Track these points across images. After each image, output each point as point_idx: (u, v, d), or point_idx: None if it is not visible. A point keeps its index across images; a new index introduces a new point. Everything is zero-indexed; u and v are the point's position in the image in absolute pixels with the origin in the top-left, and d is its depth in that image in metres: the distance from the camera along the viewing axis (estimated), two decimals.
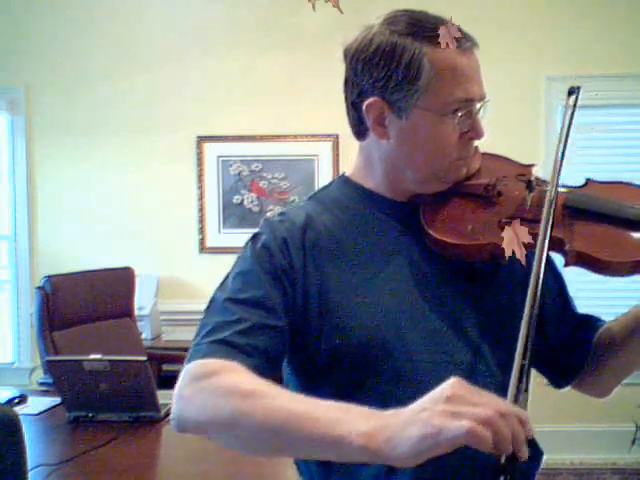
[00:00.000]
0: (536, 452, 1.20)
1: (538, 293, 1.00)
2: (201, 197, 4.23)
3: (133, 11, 4.23)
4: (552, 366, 1.26)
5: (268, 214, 1.20)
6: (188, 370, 1.03)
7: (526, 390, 0.90)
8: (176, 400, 1.03)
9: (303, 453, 0.99)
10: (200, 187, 4.23)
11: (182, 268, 4.24)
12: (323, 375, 1.11)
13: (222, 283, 1.15)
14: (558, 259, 1.17)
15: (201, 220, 4.24)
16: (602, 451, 4.01)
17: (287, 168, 4.17)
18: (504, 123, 3.99)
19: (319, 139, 4.05)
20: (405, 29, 1.12)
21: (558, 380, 1.28)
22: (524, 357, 0.93)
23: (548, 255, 1.06)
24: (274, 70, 4.14)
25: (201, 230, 4.24)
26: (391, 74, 1.11)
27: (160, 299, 4.06)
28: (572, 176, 1.25)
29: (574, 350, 1.24)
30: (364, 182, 1.22)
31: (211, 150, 4.21)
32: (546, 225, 1.07)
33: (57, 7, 4.24)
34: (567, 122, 1.18)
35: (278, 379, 1.07)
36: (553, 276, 1.28)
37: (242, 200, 4.20)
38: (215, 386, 0.98)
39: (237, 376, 0.99)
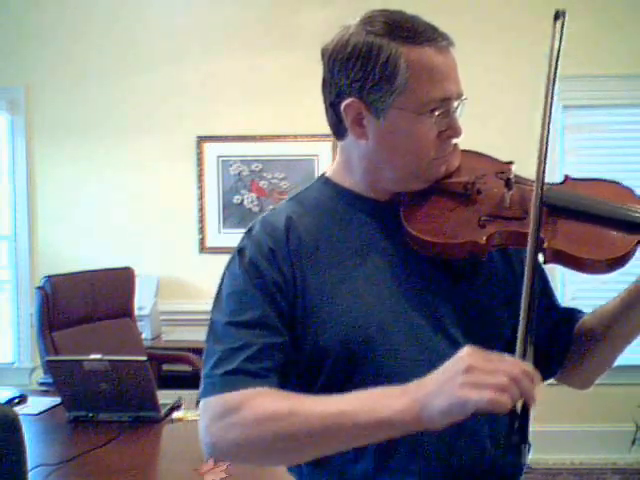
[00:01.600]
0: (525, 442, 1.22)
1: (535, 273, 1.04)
2: (201, 197, 4.23)
3: (133, 11, 4.23)
4: (537, 360, 1.27)
5: (250, 226, 1.20)
6: (208, 406, 1.07)
7: (532, 343, 1.00)
8: (205, 437, 1.07)
9: (350, 445, 1.05)
10: (200, 187, 4.23)
11: (182, 268, 4.24)
12: (310, 373, 1.12)
13: (216, 303, 1.16)
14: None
15: (201, 220, 4.24)
16: (602, 451, 4.01)
17: (287, 168, 4.17)
18: (504, 123, 4.00)
19: (319, 139, 4.05)
20: (381, 29, 1.12)
21: (542, 373, 1.28)
22: (529, 317, 1.00)
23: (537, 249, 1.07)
24: (274, 70, 4.14)
25: (201, 230, 4.24)
26: (368, 75, 1.12)
27: (160, 299, 4.06)
28: (571, 175, 1.25)
29: (556, 344, 1.26)
30: (344, 182, 1.22)
31: (211, 150, 4.21)
32: (535, 219, 1.08)
33: (57, 7, 4.23)
34: (555, 54, 1.17)
35: None
36: (538, 273, 1.28)
37: (242, 200, 4.20)
38: (246, 419, 1.03)
39: (263, 401, 1.04)
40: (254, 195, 4.19)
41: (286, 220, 1.17)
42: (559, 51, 1.17)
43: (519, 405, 0.91)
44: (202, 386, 1.09)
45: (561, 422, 4.03)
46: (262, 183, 4.19)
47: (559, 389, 1.37)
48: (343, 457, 1.11)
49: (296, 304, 1.12)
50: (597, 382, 1.32)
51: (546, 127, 1.13)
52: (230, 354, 1.08)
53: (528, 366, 0.94)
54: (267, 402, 1.03)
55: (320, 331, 1.11)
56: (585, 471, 3.96)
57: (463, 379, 0.90)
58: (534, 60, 3.94)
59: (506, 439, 0.93)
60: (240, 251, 1.16)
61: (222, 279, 1.17)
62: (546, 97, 1.14)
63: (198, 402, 1.10)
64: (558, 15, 1.20)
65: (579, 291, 3.97)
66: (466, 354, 0.93)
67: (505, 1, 4.11)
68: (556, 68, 1.16)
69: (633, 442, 3.89)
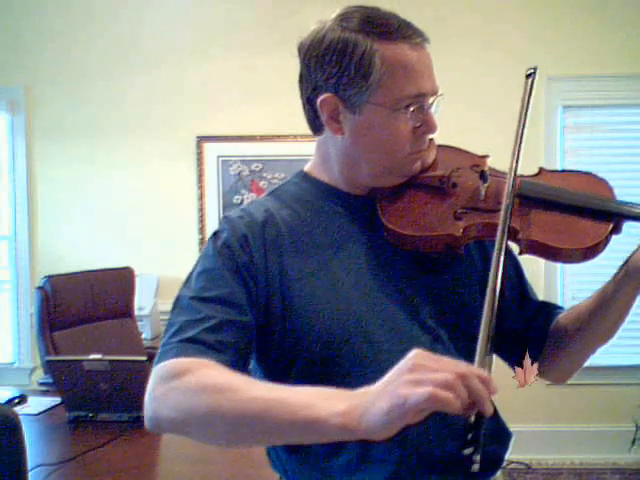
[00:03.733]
0: (505, 435, 1.22)
1: (500, 267, 1.03)
2: (201, 197, 4.23)
3: (133, 11, 4.23)
4: (512, 353, 1.28)
5: (228, 213, 1.21)
6: (158, 370, 1.05)
7: (490, 354, 0.95)
8: (148, 401, 1.03)
9: (282, 439, 1.01)
10: (200, 187, 4.23)
11: (182, 268, 4.19)
12: (287, 366, 1.13)
13: (186, 281, 1.16)
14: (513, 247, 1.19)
15: (201, 220, 4.24)
16: (602, 451, 4.01)
17: (287, 168, 4.16)
18: (504, 123, 3.99)
19: None
20: (357, 25, 1.13)
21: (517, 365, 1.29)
22: (490, 324, 0.97)
23: (507, 243, 1.08)
24: (274, 70, 4.14)
25: (201, 230, 4.24)
26: (343, 70, 1.13)
27: (160, 299, 4.05)
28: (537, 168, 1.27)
29: (532, 336, 1.27)
30: (322, 177, 1.24)
31: (211, 150, 4.21)
32: (505, 213, 1.09)
33: (57, 7, 4.23)
34: (525, 107, 1.20)
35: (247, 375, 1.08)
36: (512, 265, 1.30)
37: (242, 200, 4.20)
38: (188, 384, 1.00)
39: (210, 371, 1.01)
40: (254, 195, 4.19)
41: (264, 212, 1.18)
42: (528, 105, 1.21)
43: (472, 416, 0.86)
44: (157, 354, 1.08)
45: (561, 422, 4.03)
46: (262, 183, 4.19)
47: (560, 389, 1.38)
48: (324, 450, 1.11)
49: (271, 292, 1.12)
50: (593, 383, 1.33)
51: (522, 122, 1.19)
52: (189, 324, 1.08)
53: (483, 371, 0.89)
54: (212, 373, 1.01)
55: (298, 321, 1.11)
56: (585, 471, 3.96)
57: (405, 377, 0.86)
58: (532, 59, 3.95)
59: (458, 451, 0.87)
60: (215, 234, 1.18)
61: (196, 262, 1.18)
62: (515, 143, 1.18)
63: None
64: (530, 74, 1.23)
65: (579, 291, 3.97)
66: (413, 355, 0.88)
67: (512, 2, 4.12)
68: (525, 119, 1.20)
69: (633, 442, 3.89)
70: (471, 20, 4.01)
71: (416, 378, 0.85)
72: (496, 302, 0.99)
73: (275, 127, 4.15)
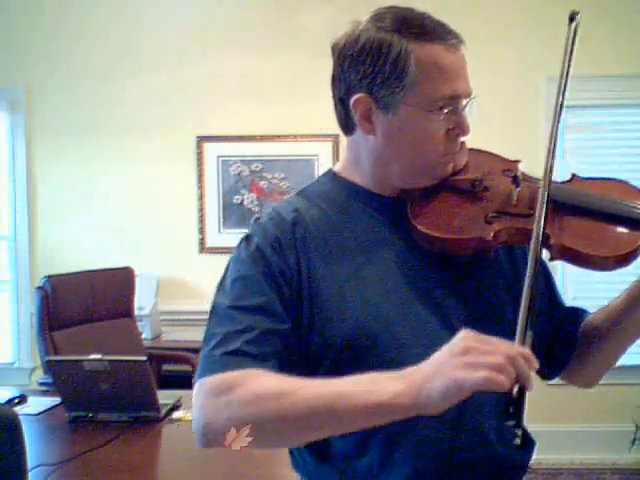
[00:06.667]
0: (529, 441, 1.21)
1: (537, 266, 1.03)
2: (201, 197, 4.23)
3: (133, 11, 4.23)
4: (541, 359, 1.27)
5: (257, 215, 1.20)
6: (205, 385, 1.05)
7: (531, 329, 0.99)
8: (199, 418, 1.04)
9: (347, 428, 1.03)
10: (200, 187, 4.23)
11: (182, 268, 4.23)
12: (314, 367, 1.12)
13: (220, 287, 1.15)
14: (544, 253, 1.17)
15: (201, 220, 4.24)
16: (602, 451, 4.01)
17: (287, 168, 4.17)
18: (504, 123, 3.99)
19: (319, 139, 4.05)
20: (392, 25, 1.12)
21: (547, 372, 1.29)
22: (530, 305, 1.00)
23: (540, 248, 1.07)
24: (274, 70, 4.14)
25: (201, 230, 4.24)
26: (378, 70, 1.12)
27: (160, 299, 4.06)
28: (570, 174, 1.25)
29: (561, 342, 1.26)
30: (352, 177, 1.23)
31: (211, 150, 4.21)
32: (540, 215, 1.08)
33: (57, 7, 4.23)
34: (568, 56, 1.20)
35: None
36: (542, 271, 1.28)
37: (242, 200, 4.20)
38: (244, 396, 1.01)
39: (262, 380, 1.02)
40: (254, 195, 4.19)
41: (293, 212, 1.17)
42: (572, 51, 1.21)
43: (515, 389, 0.90)
44: (200, 366, 1.08)
45: (561, 422, 4.03)
46: (262, 183, 4.19)
47: (559, 389, 1.38)
48: (347, 452, 1.11)
49: (302, 294, 1.12)
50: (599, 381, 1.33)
51: (556, 125, 1.13)
52: (231, 336, 1.07)
53: (525, 349, 0.94)
54: (263, 382, 1.02)
55: (326, 324, 1.11)
56: (585, 471, 3.96)
57: (459, 360, 0.90)
58: (532, 58, 3.95)
59: (501, 422, 0.92)
60: (247, 238, 1.16)
61: (227, 265, 1.17)
62: (557, 96, 1.15)
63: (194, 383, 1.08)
64: (573, 17, 1.24)
65: (580, 291, 3.97)
66: (463, 337, 0.93)
67: (512, 3, 4.12)
68: (569, 67, 1.18)
69: (633, 442, 3.89)
70: (471, 20, 4.01)
71: (471, 361, 0.89)
72: (537, 277, 1.01)
73: (275, 127, 4.15)
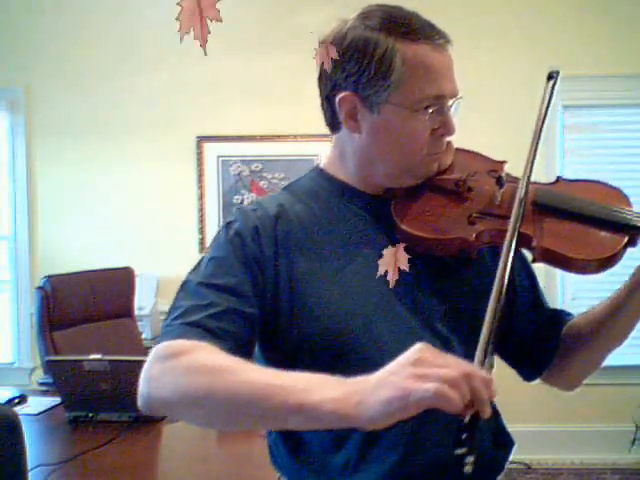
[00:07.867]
0: (507, 441, 1.21)
1: (507, 275, 1.01)
2: (201, 197, 4.23)
3: (133, 11, 4.23)
4: (522, 360, 1.28)
5: (242, 204, 1.21)
6: (156, 350, 1.05)
7: (492, 354, 0.93)
8: (144, 380, 1.04)
9: (275, 423, 1.00)
10: (200, 187, 4.23)
11: (182, 268, 4.18)
12: (292, 363, 1.11)
13: (195, 267, 1.16)
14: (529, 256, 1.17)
15: (201, 220, 4.24)
16: (602, 451, 4.01)
17: (287, 168, 4.17)
18: (504, 122, 3.99)
19: (319, 139, 4.04)
20: (378, 24, 1.12)
21: (527, 374, 1.30)
22: (492, 325, 0.95)
23: (520, 251, 1.07)
24: (274, 70, 4.14)
25: (201, 230, 4.24)
26: (364, 69, 1.12)
27: (160, 299, 4.05)
28: (570, 175, 1.26)
29: (542, 344, 1.26)
30: (337, 174, 1.23)
31: (211, 150, 4.21)
32: (515, 219, 1.08)
33: (57, 7, 4.23)
34: (544, 109, 1.19)
35: None
36: (526, 273, 1.29)
37: (242, 200, 4.20)
38: (185, 364, 1.00)
39: (208, 354, 1.01)
40: (254, 195, 4.19)
41: (277, 207, 1.18)
42: (547, 109, 1.20)
43: (467, 416, 0.84)
44: (160, 335, 1.08)
45: (561, 422, 4.03)
46: (262, 183, 4.19)
47: (560, 389, 1.37)
48: (323, 447, 1.11)
49: (279, 288, 1.12)
50: (593, 383, 1.32)
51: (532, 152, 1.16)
52: (194, 309, 1.08)
53: (487, 374, 0.87)
54: (208, 355, 1.00)
55: (305, 320, 1.11)
56: (585, 471, 3.96)
57: (409, 370, 0.84)
58: (532, 58, 3.95)
59: (452, 449, 0.84)
60: (228, 223, 1.17)
61: (207, 248, 1.18)
62: (531, 147, 1.17)
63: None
64: (551, 75, 1.22)
65: (579, 291, 3.97)
66: (418, 348, 0.86)
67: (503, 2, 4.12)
68: (543, 123, 1.19)
69: (633, 442, 3.89)
70: (471, 21, 4.01)
71: (422, 372, 0.83)
72: (500, 303, 0.98)
73: (275, 127, 4.15)
